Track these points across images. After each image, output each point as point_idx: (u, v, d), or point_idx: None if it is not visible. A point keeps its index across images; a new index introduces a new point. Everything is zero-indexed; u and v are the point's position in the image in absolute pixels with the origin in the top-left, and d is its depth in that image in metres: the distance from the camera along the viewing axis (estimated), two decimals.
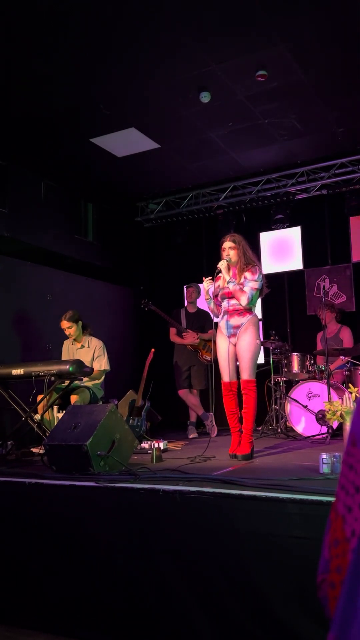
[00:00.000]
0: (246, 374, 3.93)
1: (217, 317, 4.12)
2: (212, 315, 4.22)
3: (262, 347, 4.03)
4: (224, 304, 4.02)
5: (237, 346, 3.96)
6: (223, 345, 4.03)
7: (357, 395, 3.54)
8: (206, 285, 4.04)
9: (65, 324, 5.22)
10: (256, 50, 4.47)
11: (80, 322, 5.28)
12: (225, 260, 4.00)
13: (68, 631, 2.72)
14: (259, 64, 4.65)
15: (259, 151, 6.39)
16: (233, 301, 3.97)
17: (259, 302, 4.17)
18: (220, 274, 4.03)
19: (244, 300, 3.92)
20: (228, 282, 3.97)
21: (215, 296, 4.08)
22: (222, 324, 4.04)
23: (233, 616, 2.27)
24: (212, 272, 4.08)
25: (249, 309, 3.97)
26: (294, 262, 7.29)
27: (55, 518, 2.88)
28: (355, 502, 0.78)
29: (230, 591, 2.31)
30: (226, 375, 4.04)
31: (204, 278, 4.10)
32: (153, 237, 8.22)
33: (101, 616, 2.64)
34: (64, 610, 2.75)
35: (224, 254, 4.04)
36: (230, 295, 3.98)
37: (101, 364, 5.21)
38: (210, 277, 4.05)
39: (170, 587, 2.46)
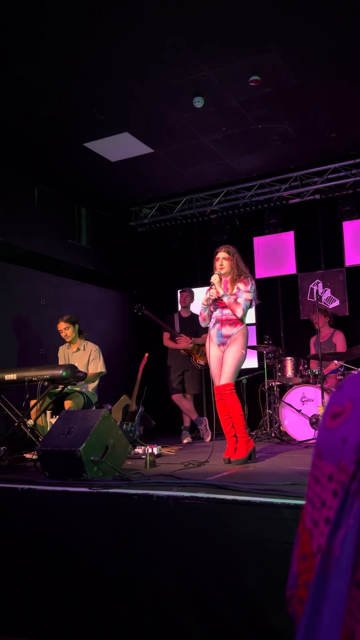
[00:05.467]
0: (223, 379, 4.01)
1: (204, 324, 4.24)
2: (200, 320, 4.28)
3: (246, 357, 4.12)
4: (217, 312, 4.12)
5: (224, 353, 4.06)
6: (214, 352, 4.12)
7: None
8: (210, 294, 4.10)
9: (62, 325, 5.22)
10: (249, 56, 4.49)
11: (76, 325, 5.30)
12: (217, 274, 4.09)
13: (62, 637, 2.69)
14: (252, 69, 4.67)
15: (252, 156, 6.41)
16: (226, 310, 4.07)
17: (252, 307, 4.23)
18: (213, 287, 4.11)
19: (239, 312, 4.03)
20: (222, 296, 4.06)
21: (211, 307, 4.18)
22: (213, 332, 4.12)
23: (227, 622, 2.26)
24: (206, 278, 4.16)
25: (240, 320, 4.08)
26: (288, 266, 7.31)
27: (48, 524, 2.86)
28: (321, 516, 0.76)
29: (224, 597, 2.29)
30: (218, 381, 4.09)
31: (212, 283, 4.11)
32: (147, 241, 8.22)
33: (95, 622, 2.62)
34: (57, 617, 2.73)
35: (217, 263, 4.14)
36: (223, 305, 4.08)
37: (97, 366, 5.21)
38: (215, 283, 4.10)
39: (164, 593, 2.45)
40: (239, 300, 4.03)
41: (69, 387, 4.74)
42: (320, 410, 4.97)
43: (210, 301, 4.13)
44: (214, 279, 4.08)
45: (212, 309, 4.15)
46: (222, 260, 4.12)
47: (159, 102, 5.14)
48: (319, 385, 5.18)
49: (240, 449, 3.95)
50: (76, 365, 4.61)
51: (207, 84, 4.87)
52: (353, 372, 5.56)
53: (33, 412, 4.49)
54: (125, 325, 7.82)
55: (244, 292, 4.04)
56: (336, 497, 0.74)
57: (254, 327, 7.25)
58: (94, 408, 5.08)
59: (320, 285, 7.08)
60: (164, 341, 6.44)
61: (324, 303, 6.92)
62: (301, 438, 5.35)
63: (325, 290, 7.04)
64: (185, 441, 6.14)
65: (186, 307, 6.51)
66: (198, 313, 4.34)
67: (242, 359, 4.07)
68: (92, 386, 5.23)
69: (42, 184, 6.70)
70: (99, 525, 2.73)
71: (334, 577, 0.70)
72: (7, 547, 2.96)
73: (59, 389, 4.63)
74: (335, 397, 0.81)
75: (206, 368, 6.15)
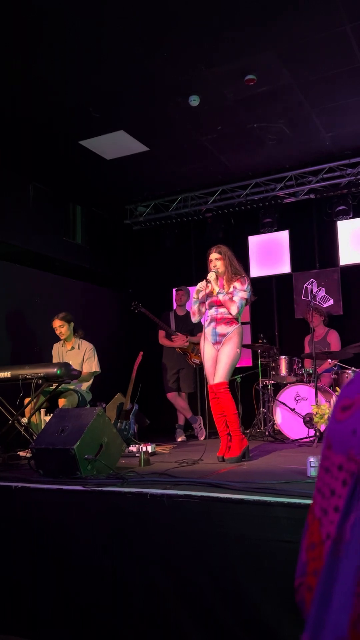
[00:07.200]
0: (218, 378, 4.03)
1: (195, 319, 4.27)
2: (191, 315, 4.30)
3: (241, 355, 4.15)
4: (212, 311, 4.13)
5: (219, 352, 4.07)
6: (209, 351, 4.13)
7: None
8: (200, 286, 4.13)
9: (57, 322, 5.22)
10: (245, 55, 4.49)
11: (72, 323, 5.29)
12: (213, 272, 4.14)
13: (55, 637, 2.69)
14: (248, 69, 4.68)
15: (247, 155, 6.41)
16: (221, 309, 4.08)
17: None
18: (209, 285, 4.14)
19: (234, 310, 4.05)
20: (218, 293, 4.07)
21: (202, 302, 4.19)
22: (208, 331, 4.13)
23: (221, 621, 2.26)
24: (201, 276, 4.21)
25: (235, 319, 4.10)
26: (282, 265, 7.32)
27: (42, 522, 2.86)
28: (330, 505, 0.78)
29: (218, 595, 2.30)
30: (212, 379, 4.10)
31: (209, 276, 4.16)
32: (142, 240, 8.22)
33: (88, 621, 2.62)
34: (51, 616, 2.73)
35: (211, 265, 4.20)
36: (219, 304, 4.09)
37: (91, 366, 5.20)
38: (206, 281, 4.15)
39: (158, 592, 2.45)
40: (234, 298, 4.05)
41: (63, 385, 4.73)
42: (314, 409, 4.99)
43: (203, 296, 4.14)
44: (211, 276, 4.12)
45: (207, 307, 4.16)
46: (215, 261, 4.18)
47: (154, 100, 5.13)
48: (313, 384, 5.20)
49: (234, 448, 3.97)
50: (70, 363, 4.61)
51: (202, 83, 4.87)
52: (348, 370, 5.58)
53: (27, 410, 4.48)
54: (120, 324, 7.81)
55: (240, 290, 4.07)
56: (346, 486, 0.76)
57: (249, 325, 7.26)
58: (88, 406, 5.07)
59: (315, 284, 7.10)
60: (159, 339, 6.45)
61: (318, 302, 6.94)
62: (295, 437, 5.37)
63: (320, 290, 7.06)
64: (179, 439, 6.15)
65: (182, 305, 6.52)
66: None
67: (237, 357, 4.08)
68: (86, 385, 5.22)
69: (37, 182, 6.69)
70: (93, 523, 2.74)
71: (344, 561, 0.72)
72: (1, 546, 2.95)
73: (53, 387, 4.62)
74: (346, 390, 0.84)
75: (201, 367, 6.17)
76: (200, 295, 4.17)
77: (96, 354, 5.27)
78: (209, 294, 4.16)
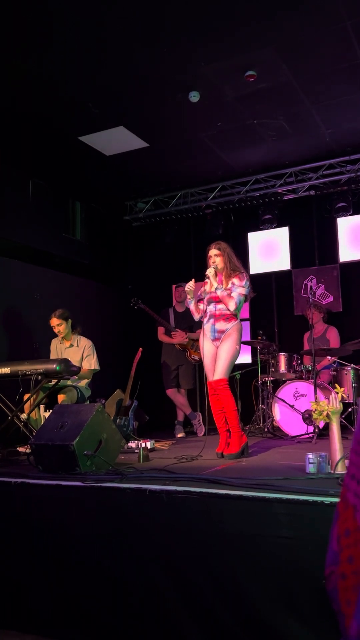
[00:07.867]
0: (217, 374, 4.03)
1: (196, 317, 4.29)
2: (192, 314, 4.34)
3: (240, 352, 4.17)
4: (210, 307, 4.13)
5: (218, 348, 4.07)
6: (208, 347, 4.13)
7: (343, 395, 3.56)
8: (189, 287, 4.17)
9: (55, 321, 5.21)
10: (245, 51, 4.48)
11: (69, 321, 5.28)
12: (212, 268, 4.14)
13: (53, 633, 2.70)
14: (248, 65, 4.66)
15: (247, 151, 6.40)
16: (220, 306, 4.08)
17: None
18: (207, 280, 4.16)
19: (232, 306, 4.04)
20: (216, 289, 4.08)
21: (201, 299, 4.22)
22: (207, 327, 4.13)
23: (220, 618, 2.27)
24: (200, 273, 4.22)
25: (234, 315, 4.09)
26: (282, 262, 7.32)
27: (41, 518, 2.87)
28: None
29: (216, 592, 2.30)
30: (211, 376, 4.10)
31: (193, 280, 4.21)
32: (141, 236, 8.21)
33: (87, 618, 2.63)
34: (49, 612, 2.74)
35: (210, 261, 4.20)
36: (218, 300, 4.09)
37: (91, 363, 5.20)
38: (194, 280, 4.21)
39: (157, 589, 2.45)
40: (232, 294, 4.05)
41: (62, 381, 4.73)
42: (313, 406, 4.99)
43: (201, 292, 4.17)
44: (209, 272, 4.13)
45: (206, 303, 4.16)
46: (214, 257, 4.18)
47: (154, 96, 5.12)
48: (312, 380, 5.20)
49: (233, 444, 3.97)
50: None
51: (202, 79, 4.86)
52: (347, 367, 5.58)
53: (26, 406, 4.48)
54: (119, 320, 7.81)
55: (239, 286, 4.07)
56: None
57: (248, 322, 7.26)
58: (88, 402, 5.08)
59: (314, 281, 7.10)
60: (158, 336, 6.45)
61: (318, 299, 6.94)
62: (294, 433, 5.38)
63: (319, 286, 7.06)
64: (178, 436, 6.16)
65: (181, 302, 6.52)
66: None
67: (236, 354, 4.08)
68: (85, 381, 5.22)
69: (36, 178, 6.67)
70: (92, 520, 2.74)
71: None
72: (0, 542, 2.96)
73: (53, 383, 4.62)
74: None
75: (200, 363, 6.17)
76: (200, 292, 4.17)
77: (95, 351, 5.27)
78: (207, 291, 4.16)
